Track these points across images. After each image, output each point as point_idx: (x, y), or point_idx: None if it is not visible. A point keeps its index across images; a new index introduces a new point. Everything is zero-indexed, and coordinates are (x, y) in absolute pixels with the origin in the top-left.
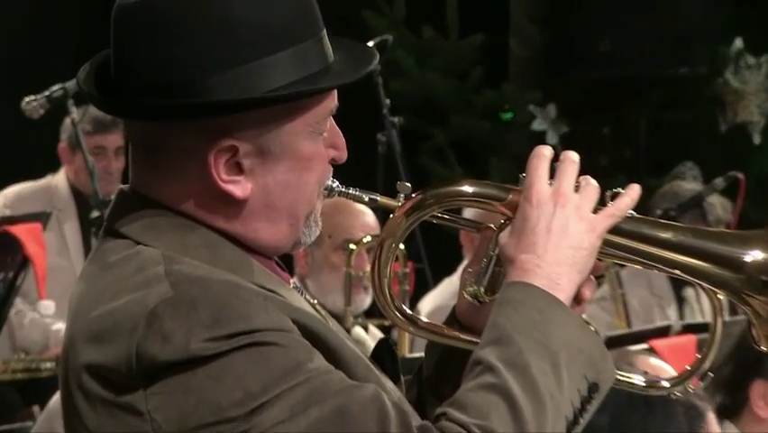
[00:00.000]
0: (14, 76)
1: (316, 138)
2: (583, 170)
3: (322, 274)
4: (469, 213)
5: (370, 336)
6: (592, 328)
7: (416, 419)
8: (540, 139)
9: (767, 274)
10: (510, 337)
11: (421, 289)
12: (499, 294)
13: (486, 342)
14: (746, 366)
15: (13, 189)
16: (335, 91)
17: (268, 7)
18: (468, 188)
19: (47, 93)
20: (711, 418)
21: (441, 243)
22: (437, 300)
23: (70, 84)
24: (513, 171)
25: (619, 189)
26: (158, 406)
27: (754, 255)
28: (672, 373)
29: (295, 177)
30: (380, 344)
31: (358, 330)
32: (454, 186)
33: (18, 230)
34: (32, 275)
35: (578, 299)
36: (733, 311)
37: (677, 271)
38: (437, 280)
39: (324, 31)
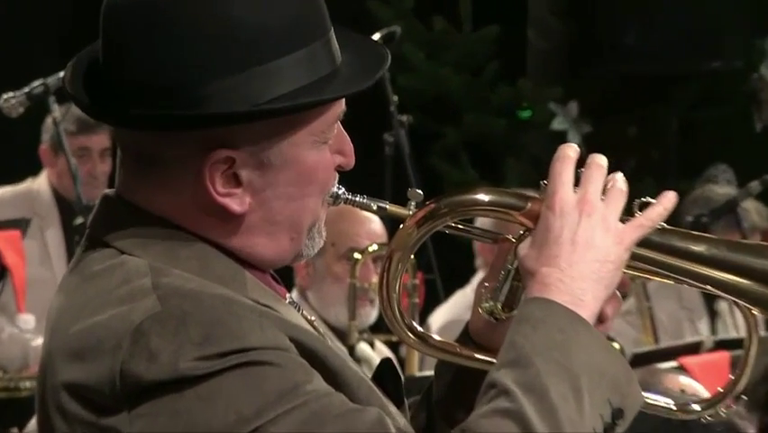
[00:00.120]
0: None
1: (321, 147)
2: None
3: (324, 286)
4: (484, 222)
5: (377, 353)
6: (617, 345)
7: None
8: (560, 139)
9: None
10: (528, 359)
11: (431, 301)
12: (518, 311)
13: (502, 363)
14: None
15: None
16: (343, 99)
17: (271, 7)
18: (484, 197)
19: (26, 90)
20: None
21: (453, 252)
22: (449, 314)
23: (52, 80)
24: (531, 174)
25: (649, 199)
26: (143, 429)
27: None
28: (704, 393)
29: (297, 188)
30: (383, 364)
31: (363, 347)
32: (470, 194)
33: None
34: (10, 287)
35: (601, 317)
36: None
37: (709, 287)
38: (449, 292)
39: (332, 30)
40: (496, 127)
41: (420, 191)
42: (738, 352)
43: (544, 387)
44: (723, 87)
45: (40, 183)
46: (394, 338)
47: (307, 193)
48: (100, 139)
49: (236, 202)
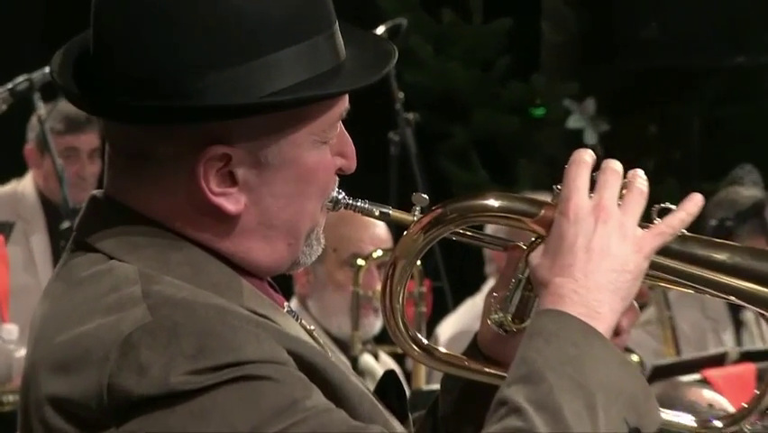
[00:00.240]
0: None
1: (322, 147)
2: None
3: (325, 294)
4: (494, 227)
5: (381, 365)
6: (636, 357)
7: None
8: (576, 138)
9: None
10: (541, 375)
11: (439, 310)
12: (529, 324)
13: (513, 379)
14: None
15: None
16: (346, 96)
17: None
18: (494, 203)
19: (10, 85)
20: None
21: (462, 258)
22: (458, 325)
23: (36, 75)
24: (545, 175)
25: (669, 205)
26: None
27: None
28: (729, 407)
29: (295, 190)
30: (386, 376)
31: (367, 358)
32: (478, 199)
33: None
34: None
35: (617, 330)
36: None
37: (732, 297)
38: (458, 300)
39: (337, 24)
40: (507, 126)
41: (425, 196)
42: (765, 364)
43: (557, 405)
44: (748, 83)
45: (25, 185)
46: (399, 350)
47: (306, 196)
48: (89, 138)
49: (231, 202)
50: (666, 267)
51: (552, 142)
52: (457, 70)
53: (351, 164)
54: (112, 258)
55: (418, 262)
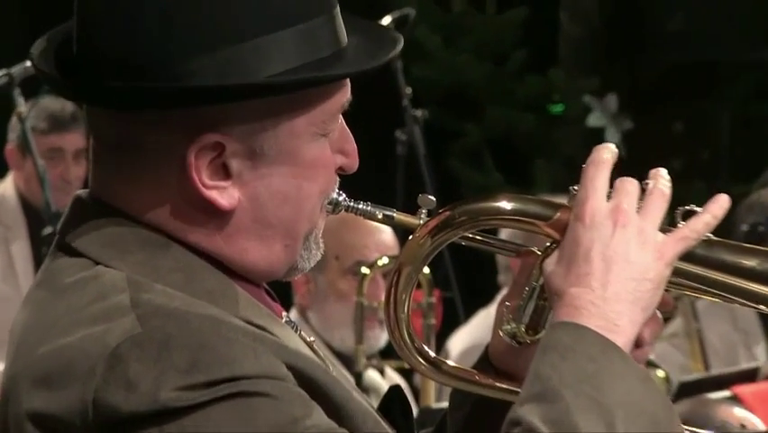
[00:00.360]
0: None
1: (321, 140)
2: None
3: (327, 305)
4: (507, 232)
5: (387, 382)
6: (662, 373)
7: None
8: (597, 137)
9: None
10: (556, 392)
11: (450, 323)
12: (544, 337)
13: (527, 397)
14: None
15: None
16: (348, 83)
17: None
18: (506, 205)
19: None
20: None
21: (474, 266)
22: (470, 338)
23: (16, 69)
24: (563, 177)
25: (694, 207)
26: None
27: None
28: (761, 427)
29: (293, 186)
30: (391, 392)
31: (372, 374)
32: (489, 201)
33: None
34: None
35: (639, 342)
36: None
37: (764, 307)
38: (470, 312)
39: (338, 9)
40: (523, 124)
41: (432, 197)
42: None
43: (574, 425)
44: None
45: (5, 188)
46: (407, 365)
47: (305, 193)
48: (74, 138)
49: (224, 197)
50: (691, 274)
51: (570, 142)
52: (469, 64)
53: (352, 163)
54: (98, 263)
55: (426, 271)
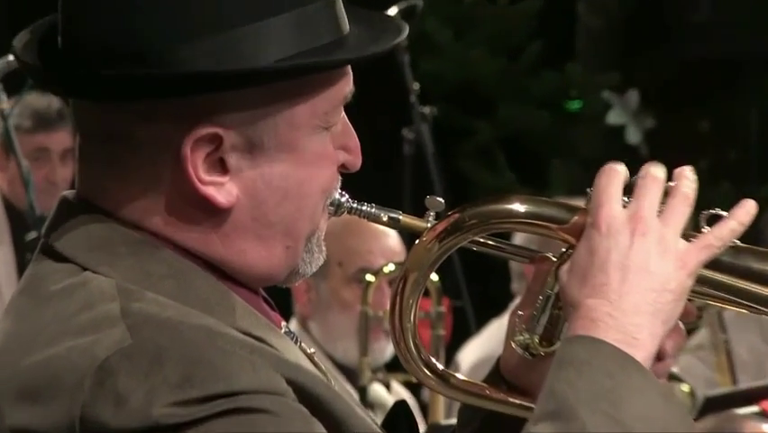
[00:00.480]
0: None
1: (323, 133)
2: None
3: (329, 314)
4: (520, 237)
5: (393, 396)
6: (686, 387)
7: None
8: (617, 136)
9: None
10: (572, 410)
11: (461, 334)
12: (559, 351)
13: (541, 414)
14: None
15: None
16: (350, 72)
17: None
18: (519, 207)
19: None
20: None
21: (487, 273)
22: (482, 350)
23: None
24: (581, 178)
25: (719, 211)
26: None
27: None
28: None
29: (294, 182)
30: (396, 408)
31: (377, 388)
32: (501, 203)
33: None
34: None
35: (660, 355)
36: None
37: None
38: (482, 322)
39: None
40: (538, 122)
41: (441, 199)
42: None
43: None
44: None
45: None
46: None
47: (306, 190)
48: (61, 138)
49: (222, 193)
50: (716, 283)
51: (589, 141)
52: (480, 58)
53: (355, 160)
54: (85, 269)
55: (435, 278)
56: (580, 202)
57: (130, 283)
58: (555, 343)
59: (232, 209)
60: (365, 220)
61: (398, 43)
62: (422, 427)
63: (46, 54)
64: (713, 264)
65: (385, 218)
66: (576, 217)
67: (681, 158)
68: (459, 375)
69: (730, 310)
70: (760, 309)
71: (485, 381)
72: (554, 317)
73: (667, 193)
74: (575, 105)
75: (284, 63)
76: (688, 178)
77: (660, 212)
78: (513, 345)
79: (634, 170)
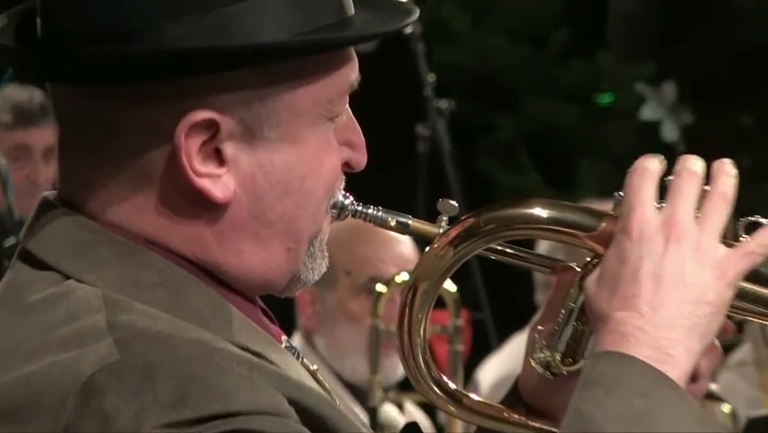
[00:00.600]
0: None
1: (327, 124)
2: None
3: (336, 328)
4: (545, 245)
5: (406, 418)
6: (727, 407)
7: None
8: (652, 133)
9: None
10: None
11: (480, 349)
12: (585, 369)
13: None
14: None
15: None
16: (355, 58)
17: None
18: (541, 212)
19: None
20: None
21: (509, 283)
22: (504, 367)
23: None
24: (612, 179)
25: (759, 218)
26: None
27: None
28: None
29: (296, 177)
30: (407, 430)
31: (389, 409)
32: (521, 208)
33: None
34: None
35: (694, 375)
36: None
37: None
38: (503, 337)
39: None
40: (565, 117)
41: (454, 203)
42: None
43: None
44: None
45: None
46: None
47: (308, 186)
48: (44, 135)
49: (218, 187)
50: (757, 296)
51: (621, 138)
52: (502, 47)
53: (359, 158)
54: (68, 277)
55: (453, 288)
56: (608, 207)
57: (117, 293)
58: (579, 361)
59: (228, 205)
60: (376, 226)
61: (410, 23)
62: None
63: (24, 38)
64: (754, 276)
65: (392, 223)
66: (604, 224)
67: (721, 156)
68: (473, 396)
69: None
70: None
71: (502, 402)
72: (578, 332)
73: (701, 201)
74: (606, 98)
75: (282, 41)
76: (727, 174)
77: (697, 217)
78: (533, 363)
79: (669, 171)
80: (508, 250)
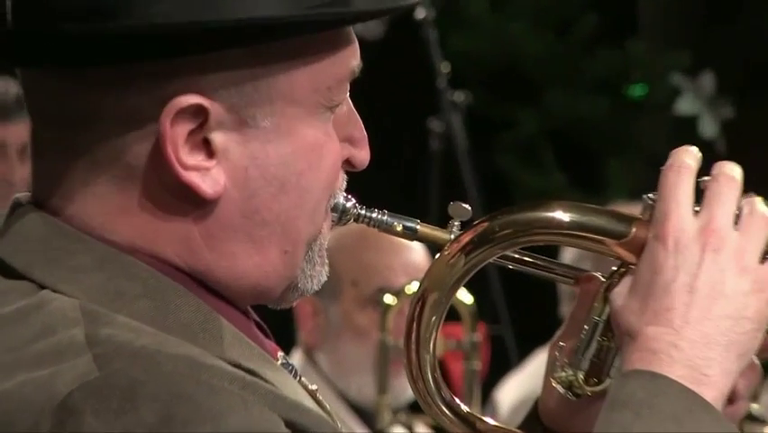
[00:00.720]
0: None
1: (326, 115)
2: (756, 180)
3: (341, 344)
4: (574, 254)
5: None
6: None
7: None
8: (689, 128)
9: None
10: None
11: (500, 367)
12: (612, 389)
13: None
14: None
15: None
16: (356, 42)
17: None
18: (562, 216)
19: None
20: None
21: (530, 294)
22: (525, 387)
23: None
24: (645, 180)
25: None
26: None
27: None
28: None
29: (293, 172)
30: None
31: (398, 432)
32: (540, 211)
33: None
34: None
35: (731, 397)
36: None
37: None
38: (524, 353)
39: None
40: (593, 111)
41: (467, 206)
42: None
43: None
44: None
45: None
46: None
47: (306, 183)
48: (19, 130)
49: (207, 181)
50: None
51: (654, 134)
52: (523, 34)
53: (362, 155)
54: (43, 287)
55: (469, 300)
56: (639, 210)
57: (97, 304)
58: (604, 381)
59: (218, 202)
60: (381, 232)
61: (421, 1)
62: None
63: None
64: None
65: (399, 228)
66: (634, 230)
67: (763, 153)
68: (488, 420)
69: None
70: None
71: (521, 426)
72: (604, 349)
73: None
74: (638, 90)
75: (278, 15)
76: None
77: (737, 223)
78: (553, 382)
79: (707, 170)
80: (527, 258)
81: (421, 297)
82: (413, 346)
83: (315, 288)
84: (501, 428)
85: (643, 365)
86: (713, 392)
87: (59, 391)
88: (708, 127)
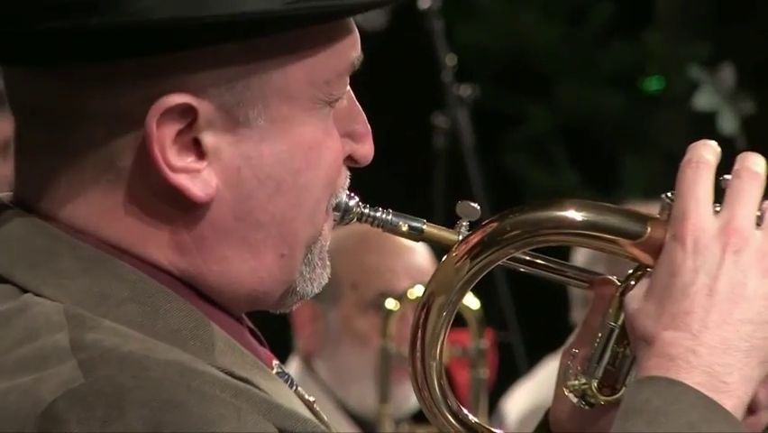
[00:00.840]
0: None
1: (325, 110)
2: None
3: (340, 350)
4: (588, 256)
5: None
6: None
7: None
8: (707, 123)
9: None
10: None
11: (508, 376)
12: (626, 397)
13: None
14: None
15: None
16: (356, 32)
17: None
18: (575, 216)
19: None
20: None
21: (540, 299)
22: (534, 396)
23: None
24: (662, 177)
25: None
26: None
27: None
28: None
29: (289, 171)
30: None
31: None
32: (552, 210)
33: None
34: None
35: (752, 406)
36: None
37: None
38: (534, 361)
39: None
40: (608, 105)
41: (476, 205)
42: None
43: None
44: None
45: None
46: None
47: (304, 182)
48: (3, 127)
49: (197, 183)
50: None
51: (671, 130)
52: (533, 25)
53: (365, 150)
54: (25, 291)
55: (476, 305)
56: (656, 209)
57: (82, 308)
58: (620, 389)
59: (210, 204)
60: (386, 232)
61: None
62: None
63: None
64: None
65: (404, 228)
66: (650, 230)
67: None
68: (497, 431)
69: None
70: None
71: None
72: (619, 356)
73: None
74: (654, 84)
75: (271, 9)
76: None
77: (758, 225)
78: (566, 391)
79: (727, 166)
80: (539, 260)
81: (427, 301)
82: (418, 354)
83: (316, 291)
84: None
85: (659, 372)
86: (732, 401)
87: (43, 398)
88: (728, 123)
